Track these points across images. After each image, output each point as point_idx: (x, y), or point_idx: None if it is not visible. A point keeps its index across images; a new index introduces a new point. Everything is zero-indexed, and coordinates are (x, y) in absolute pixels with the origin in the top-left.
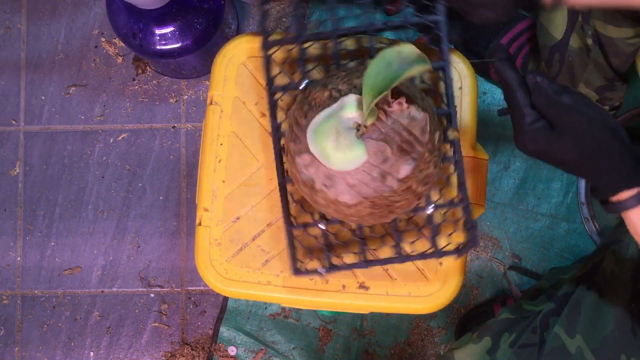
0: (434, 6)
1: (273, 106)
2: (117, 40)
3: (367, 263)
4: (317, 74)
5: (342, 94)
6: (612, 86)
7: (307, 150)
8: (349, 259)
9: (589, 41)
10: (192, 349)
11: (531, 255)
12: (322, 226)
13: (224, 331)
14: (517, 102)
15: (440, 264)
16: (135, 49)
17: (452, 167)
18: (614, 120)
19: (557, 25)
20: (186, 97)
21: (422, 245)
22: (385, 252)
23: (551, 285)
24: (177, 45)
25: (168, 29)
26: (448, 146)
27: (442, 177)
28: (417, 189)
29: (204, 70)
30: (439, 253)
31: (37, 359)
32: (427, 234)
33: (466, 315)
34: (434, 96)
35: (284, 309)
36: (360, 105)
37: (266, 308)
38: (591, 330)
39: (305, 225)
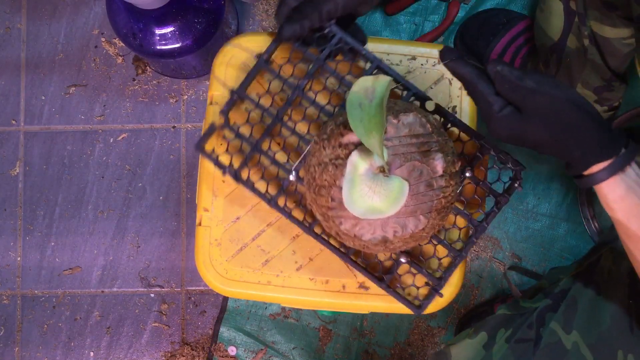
0: (328, 30)
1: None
2: (117, 40)
3: (345, 256)
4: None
5: (344, 158)
6: (610, 86)
7: (350, 217)
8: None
9: (586, 42)
10: (192, 349)
11: (531, 255)
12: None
13: (224, 331)
14: (480, 93)
15: (440, 264)
16: (135, 49)
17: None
18: (579, 97)
19: (554, 26)
20: (186, 97)
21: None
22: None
23: (550, 284)
24: (177, 45)
25: (168, 29)
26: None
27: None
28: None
29: (204, 70)
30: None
31: (37, 359)
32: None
33: (466, 315)
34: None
35: (284, 309)
36: (365, 154)
37: (266, 308)
38: (587, 326)
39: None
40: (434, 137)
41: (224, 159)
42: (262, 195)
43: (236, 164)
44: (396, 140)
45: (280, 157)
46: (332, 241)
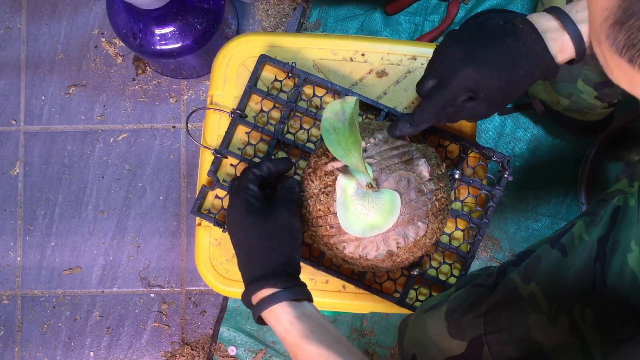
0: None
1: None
2: (117, 40)
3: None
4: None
5: (332, 184)
6: (611, 83)
7: (352, 239)
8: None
9: None
10: (192, 349)
11: None
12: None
13: (224, 331)
14: (423, 120)
15: (440, 264)
16: (135, 49)
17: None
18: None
19: None
20: (186, 97)
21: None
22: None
23: None
24: (177, 45)
25: (168, 29)
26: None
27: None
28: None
29: (204, 70)
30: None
31: (37, 359)
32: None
33: None
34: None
35: None
36: (350, 175)
37: None
38: (548, 280)
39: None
40: (413, 146)
41: (222, 216)
42: None
43: None
44: (377, 156)
45: None
46: (342, 270)
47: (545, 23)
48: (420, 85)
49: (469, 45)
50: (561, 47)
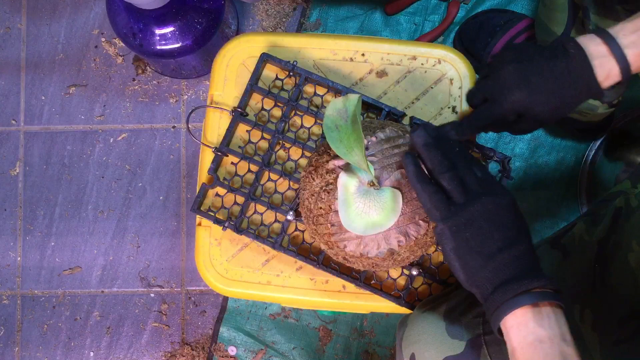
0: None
1: None
2: (117, 40)
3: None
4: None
5: (333, 182)
6: None
7: (353, 237)
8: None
9: None
10: (192, 349)
11: None
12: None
13: (224, 331)
14: (470, 130)
15: (441, 263)
16: (135, 49)
17: None
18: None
19: (558, 20)
20: (186, 97)
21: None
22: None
23: None
24: (177, 45)
25: (168, 29)
26: None
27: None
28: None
29: (204, 70)
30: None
31: (37, 359)
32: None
33: None
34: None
35: (284, 309)
36: (352, 173)
37: (266, 308)
38: None
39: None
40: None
41: (222, 214)
42: (266, 241)
43: (234, 216)
44: (379, 154)
45: (276, 198)
46: (342, 269)
47: (594, 48)
48: (471, 96)
49: (522, 68)
50: (608, 74)
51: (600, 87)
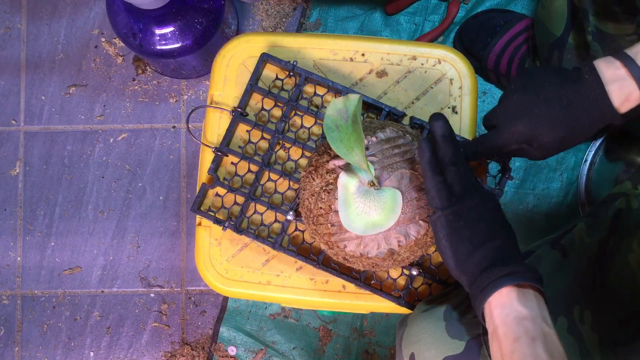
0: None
1: None
2: (117, 40)
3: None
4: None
5: (333, 182)
6: None
7: (353, 237)
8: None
9: (589, 38)
10: (192, 349)
11: None
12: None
13: (224, 331)
14: (475, 155)
15: (440, 264)
16: (135, 49)
17: None
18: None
19: (557, 22)
20: (186, 97)
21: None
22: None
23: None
24: (177, 45)
25: (168, 29)
26: None
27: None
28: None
29: (204, 70)
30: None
31: (37, 359)
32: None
33: None
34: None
35: (284, 309)
36: (352, 173)
37: (266, 308)
38: (547, 280)
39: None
40: (415, 145)
41: (222, 214)
42: (266, 241)
43: (234, 216)
44: (379, 155)
45: (276, 198)
46: (342, 269)
47: (613, 72)
48: (485, 119)
49: (526, 99)
50: (627, 97)
51: (618, 112)
